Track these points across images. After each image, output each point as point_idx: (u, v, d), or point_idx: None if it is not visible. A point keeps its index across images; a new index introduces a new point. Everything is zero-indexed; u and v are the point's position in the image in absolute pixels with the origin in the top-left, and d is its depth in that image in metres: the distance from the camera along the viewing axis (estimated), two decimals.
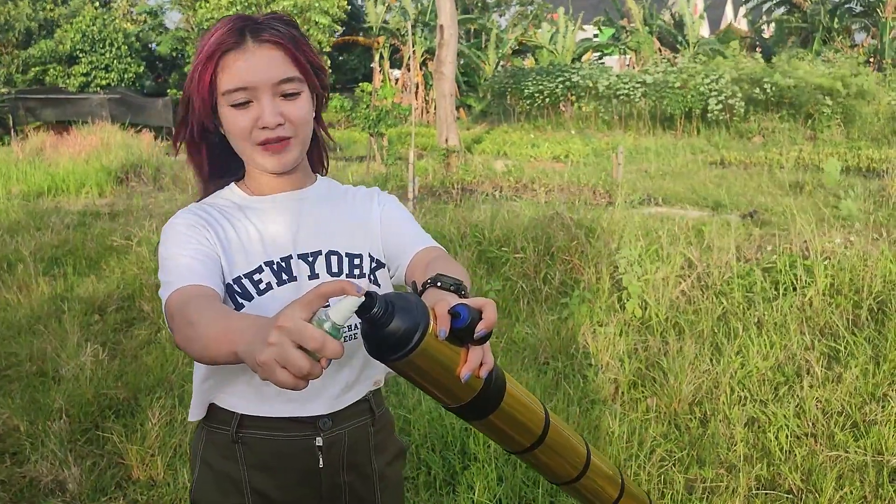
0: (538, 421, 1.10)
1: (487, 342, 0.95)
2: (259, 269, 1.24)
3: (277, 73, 1.16)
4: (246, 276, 1.23)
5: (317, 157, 1.39)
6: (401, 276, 1.33)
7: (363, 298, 0.85)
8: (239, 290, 1.21)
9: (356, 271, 1.29)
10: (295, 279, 1.25)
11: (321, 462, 1.27)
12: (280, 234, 1.28)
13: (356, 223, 1.34)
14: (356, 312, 0.85)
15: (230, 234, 1.26)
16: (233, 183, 1.33)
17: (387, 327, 0.87)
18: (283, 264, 1.25)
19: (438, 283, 1.04)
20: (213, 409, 1.30)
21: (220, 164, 1.33)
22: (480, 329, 0.91)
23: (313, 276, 1.26)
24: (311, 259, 1.27)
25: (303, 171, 1.33)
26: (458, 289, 1.03)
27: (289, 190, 1.31)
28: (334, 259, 1.28)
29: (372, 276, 1.31)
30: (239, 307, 1.20)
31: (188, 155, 1.31)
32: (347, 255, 1.30)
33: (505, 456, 3.01)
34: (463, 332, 0.90)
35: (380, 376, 1.36)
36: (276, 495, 1.27)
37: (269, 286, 1.23)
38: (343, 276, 1.27)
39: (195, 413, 1.30)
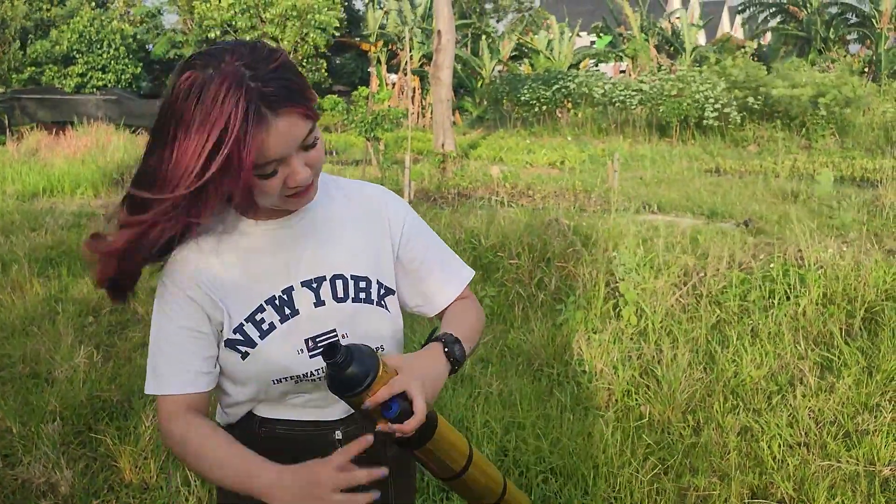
0: (462, 452, 1.26)
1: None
2: (260, 309, 1.22)
3: (299, 135, 1.11)
4: (248, 319, 1.22)
5: None
6: (424, 315, 1.41)
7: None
8: (242, 339, 1.21)
9: (362, 295, 1.28)
10: (297, 313, 1.23)
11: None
12: (279, 263, 1.24)
13: (363, 246, 1.30)
14: (323, 356, 1.08)
15: (226, 280, 1.22)
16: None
17: (345, 372, 1.08)
18: (285, 297, 1.23)
19: (441, 339, 1.23)
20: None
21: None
22: (399, 431, 1.10)
23: (319, 303, 1.24)
24: (314, 285, 1.25)
25: None
26: (451, 349, 1.22)
27: (293, 209, 1.25)
28: (339, 284, 1.26)
29: (382, 303, 1.30)
30: (244, 356, 1.21)
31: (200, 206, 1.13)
32: (353, 277, 1.27)
33: (498, 463, 3.01)
34: (393, 420, 1.11)
35: None
36: None
37: (271, 326, 1.22)
38: (349, 302, 1.26)
39: (220, 418, 1.34)
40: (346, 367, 1.08)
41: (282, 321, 1.22)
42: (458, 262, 1.42)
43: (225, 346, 1.22)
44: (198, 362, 1.22)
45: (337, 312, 1.25)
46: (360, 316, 1.27)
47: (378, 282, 1.30)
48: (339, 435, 1.29)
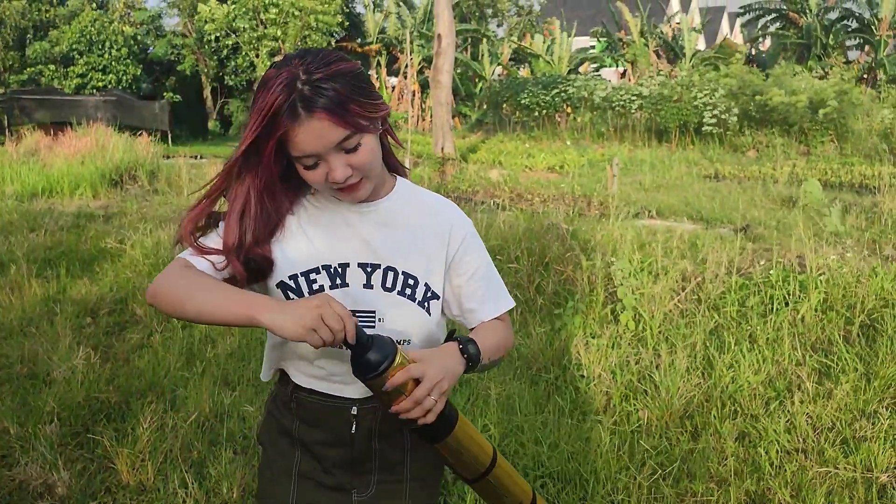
0: (485, 452, 1.36)
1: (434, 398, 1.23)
2: (316, 270, 1.37)
3: (332, 139, 1.25)
4: (303, 274, 1.36)
5: (392, 162, 1.47)
6: (461, 326, 1.52)
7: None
8: (293, 287, 1.36)
9: (408, 291, 1.39)
10: (347, 285, 1.37)
11: (353, 428, 1.40)
12: (345, 240, 1.39)
13: (421, 246, 1.42)
14: (348, 345, 1.20)
15: (296, 232, 1.38)
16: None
17: (365, 355, 1.20)
18: (340, 270, 1.37)
19: (457, 339, 1.35)
20: (282, 373, 1.48)
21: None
22: (418, 404, 1.22)
23: (368, 286, 1.38)
24: (369, 269, 1.38)
25: (382, 182, 1.42)
26: (465, 347, 1.33)
27: (366, 199, 1.39)
28: (390, 275, 1.38)
29: (425, 304, 1.41)
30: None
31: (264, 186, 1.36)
32: (404, 273, 1.39)
33: None
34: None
35: None
36: (316, 449, 1.43)
37: (321, 287, 1.36)
38: (395, 293, 1.38)
39: (265, 375, 1.49)
40: (366, 351, 1.20)
41: (331, 287, 1.36)
42: (503, 289, 1.53)
43: (276, 287, 1.37)
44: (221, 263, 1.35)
45: (382, 299, 1.38)
46: (400, 309, 1.38)
47: (426, 285, 1.41)
48: (354, 411, 1.40)
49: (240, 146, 1.29)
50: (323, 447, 1.43)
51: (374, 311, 1.37)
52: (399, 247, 1.40)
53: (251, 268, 1.34)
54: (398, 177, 1.47)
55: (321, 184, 1.31)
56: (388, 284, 1.38)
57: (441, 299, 1.44)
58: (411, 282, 1.39)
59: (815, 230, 6.62)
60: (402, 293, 1.38)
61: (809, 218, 8.05)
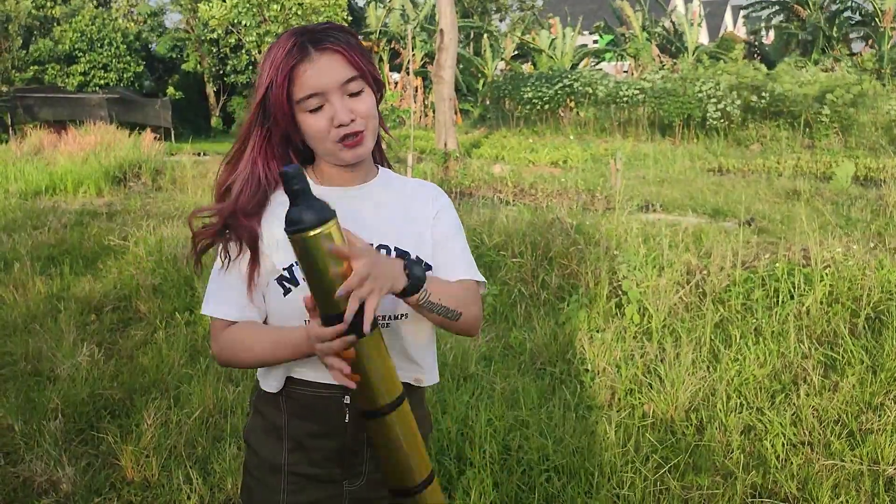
0: (422, 460, 1.28)
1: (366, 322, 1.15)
2: None
3: (341, 75, 1.32)
4: (297, 262, 1.34)
5: (378, 152, 1.52)
6: None
7: None
8: (289, 277, 1.37)
9: None
10: None
11: (347, 417, 1.40)
12: None
13: (409, 223, 1.45)
14: (283, 178, 1.12)
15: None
16: (308, 168, 1.46)
17: (295, 206, 1.12)
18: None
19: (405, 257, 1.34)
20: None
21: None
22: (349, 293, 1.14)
23: None
24: None
25: (367, 166, 1.46)
26: (411, 267, 1.27)
27: (355, 184, 1.44)
28: (383, 252, 1.39)
29: None
30: (286, 293, 1.37)
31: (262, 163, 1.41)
32: (396, 249, 1.41)
33: (501, 461, 3.00)
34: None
35: (420, 374, 1.47)
36: (307, 443, 1.43)
37: None
38: None
39: (271, 385, 1.47)
40: (296, 202, 1.12)
41: None
42: (474, 265, 1.51)
43: (275, 281, 1.38)
44: (242, 297, 1.39)
45: None
46: None
47: (418, 258, 1.43)
48: (347, 400, 1.40)
49: (253, 101, 1.36)
50: (315, 439, 1.43)
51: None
52: (390, 224, 1.43)
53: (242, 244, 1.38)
54: (380, 166, 1.52)
55: (325, 133, 1.33)
56: None
57: (432, 270, 1.44)
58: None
59: (820, 223, 6.59)
60: None
61: (815, 210, 8.02)
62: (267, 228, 1.39)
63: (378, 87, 1.40)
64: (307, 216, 1.11)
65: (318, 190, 1.40)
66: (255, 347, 1.35)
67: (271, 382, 1.44)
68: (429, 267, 1.43)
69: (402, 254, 1.39)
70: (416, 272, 1.27)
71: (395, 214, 1.45)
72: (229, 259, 1.39)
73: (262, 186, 1.39)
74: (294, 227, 1.12)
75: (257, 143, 1.39)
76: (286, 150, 1.41)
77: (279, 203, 1.39)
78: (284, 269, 1.38)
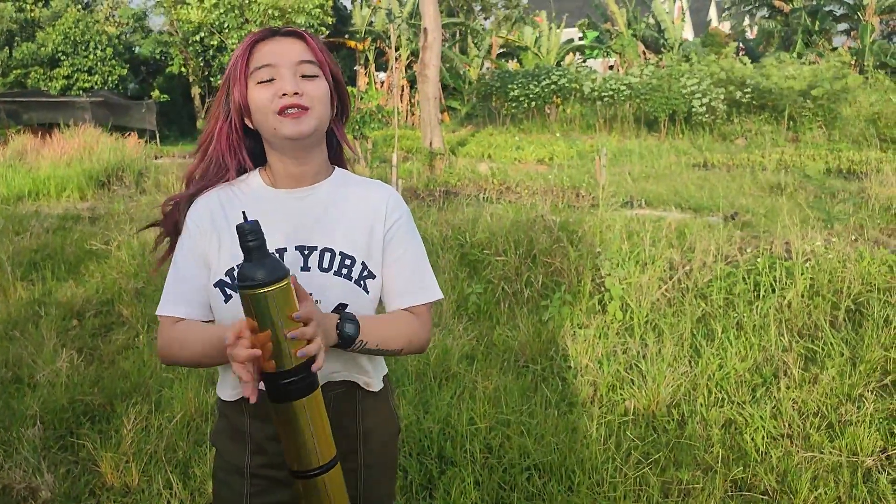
0: (329, 450, 1.24)
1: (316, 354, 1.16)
2: None
3: (297, 54, 1.35)
4: (238, 266, 1.33)
5: (338, 160, 1.53)
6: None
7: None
8: (229, 283, 1.36)
9: (344, 271, 1.39)
10: None
11: None
12: (282, 226, 1.39)
13: (359, 229, 1.44)
14: (238, 232, 1.11)
15: (230, 227, 1.39)
16: (258, 169, 1.46)
17: (248, 262, 1.12)
18: (276, 255, 1.34)
19: (340, 313, 1.32)
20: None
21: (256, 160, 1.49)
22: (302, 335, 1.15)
23: (305, 268, 1.38)
24: (306, 252, 1.39)
25: (318, 164, 1.45)
26: (342, 326, 1.29)
27: (305, 184, 1.43)
28: (327, 256, 1.39)
29: (361, 283, 1.41)
30: (227, 300, 1.35)
31: (226, 150, 1.44)
32: (341, 254, 1.40)
33: (482, 461, 3.00)
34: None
35: (370, 380, 1.46)
36: (268, 446, 1.42)
37: None
38: (331, 274, 1.38)
39: (229, 395, 1.47)
40: (252, 263, 1.12)
41: None
42: (430, 279, 1.49)
43: (214, 286, 1.36)
44: (193, 292, 1.38)
45: (318, 279, 1.37)
46: (337, 289, 1.38)
47: (363, 264, 1.41)
48: None
49: (221, 86, 1.41)
50: (275, 442, 1.41)
51: (310, 294, 1.33)
52: (337, 227, 1.42)
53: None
54: (336, 167, 1.51)
55: (268, 104, 1.33)
56: (325, 265, 1.38)
57: (378, 279, 1.44)
58: (348, 262, 1.40)
59: (802, 216, 6.62)
60: (338, 273, 1.38)
61: (798, 204, 8.06)
62: (217, 217, 1.42)
63: (340, 94, 1.43)
64: (259, 274, 1.11)
65: (267, 193, 1.42)
66: (190, 346, 1.34)
67: (227, 391, 1.44)
68: (373, 275, 1.43)
69: (338, 308, 1.36)
70: (346, 331, 1.29)
71: (345, 216, 1.44)
72: (182, 251, 1.41)
73: (222, 166, 1.43)
74: (245, 284, 1.11)
75: (222, 134, 1.42)
76: (250, 142, 1.45)
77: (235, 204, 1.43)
78: (226, 275, 1.37)
